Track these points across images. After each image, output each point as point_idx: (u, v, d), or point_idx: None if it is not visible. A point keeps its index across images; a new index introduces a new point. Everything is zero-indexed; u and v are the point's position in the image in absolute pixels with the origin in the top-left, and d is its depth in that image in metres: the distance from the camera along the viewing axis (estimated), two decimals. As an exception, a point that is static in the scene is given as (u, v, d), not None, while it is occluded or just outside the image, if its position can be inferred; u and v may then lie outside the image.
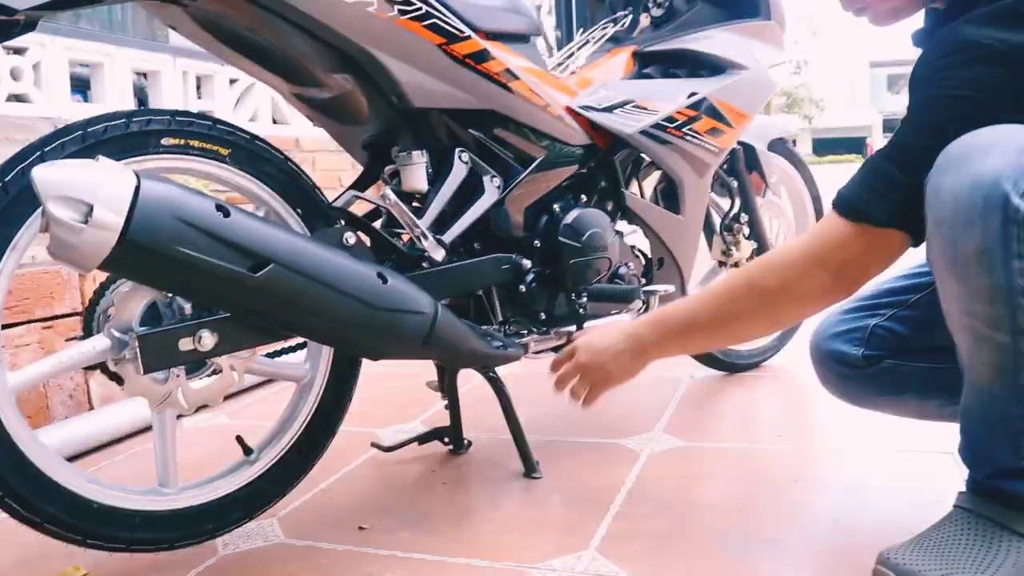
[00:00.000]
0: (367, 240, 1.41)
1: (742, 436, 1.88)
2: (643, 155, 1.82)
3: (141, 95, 2.87)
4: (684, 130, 1.80)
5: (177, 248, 1.08)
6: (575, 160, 1.70)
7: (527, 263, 1.60)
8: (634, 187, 1.87)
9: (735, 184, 2.17)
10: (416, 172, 1.47)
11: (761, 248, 2.21)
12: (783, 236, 2.37)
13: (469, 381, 2.10)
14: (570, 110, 1.67)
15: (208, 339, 1.21)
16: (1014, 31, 1.04)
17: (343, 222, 1.40)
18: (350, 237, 1.33)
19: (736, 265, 2.20)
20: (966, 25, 1.09)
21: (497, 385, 1.69)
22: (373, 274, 1.27)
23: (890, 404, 1.43)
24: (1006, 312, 1.01)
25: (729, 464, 1.70)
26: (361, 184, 1.61)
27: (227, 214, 1.13)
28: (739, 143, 2.14)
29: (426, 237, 1.40)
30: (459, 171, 1.50)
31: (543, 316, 1.66)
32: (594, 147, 1.72)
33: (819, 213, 2.50)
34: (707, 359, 2.29)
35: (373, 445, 1.87)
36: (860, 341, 1.37)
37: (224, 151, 1.32)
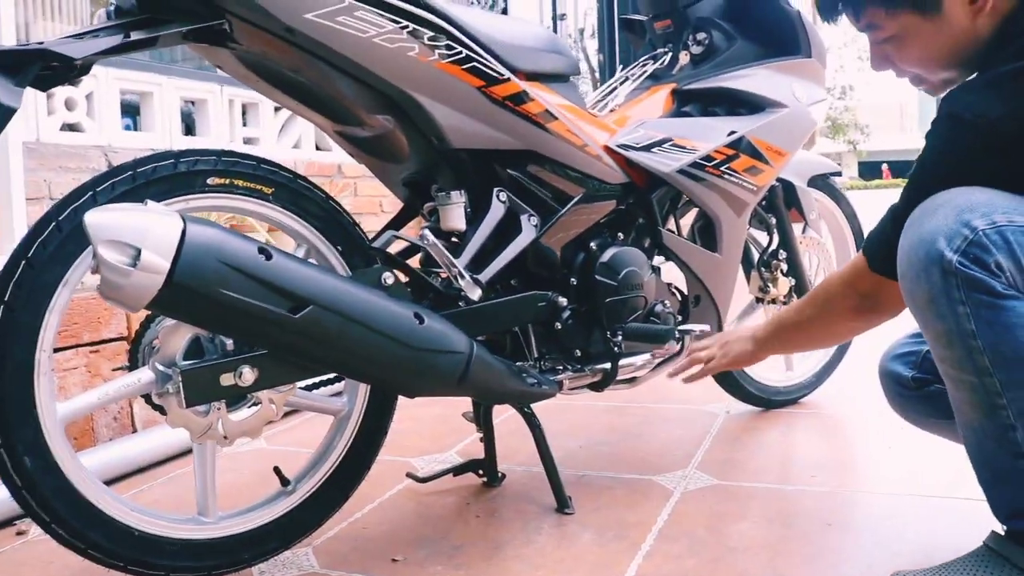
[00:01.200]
0: (404, 278, 1.43)
1: (776, 475, 1.87)
2: (679, 193, 1.83)
3: (188, 121, 2.94)
4: (722, 169, 1.81)
5: (220, 290, 1.11)
6: (612, 198, 1.71)
7: (563, 301, 1.62)
8: (671, 224, 1.88)
9: (773, 221, 2.17)
10: (454, 212, 1.50)
11: (799, 284, 2.21)
12: (823, 272, 2.36)
13: (503, 412, 2.12)
14: (608, 149, 1.69)
15: (248, 375, 1.24)
16: (990, 104, 1.13)
17: (381, 262, 1.42)
18: (388, 277, 1.36)
19: (774, 302, 2.20)
20: (958, 93, 1.20)
21: (531, 421, 1.71)
22: (410, 314, 1.30)
23: (941, 427, 1.47)
24: (964, 354, 1.11)
25: (762, 504, 1.69)
26: (400, 220, 1.65)
27: (269, 257, 1.16)
28: (778, 180, 2.15)
29: (463, 276, 1.42)
30: (497, 210, 1.52)
31: (578, 354, 1.67)
32: (632, 185, 1.73)
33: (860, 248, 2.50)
34: (742, 394, 2.29)
35: (408, 476, 1.89)
36: (913, 364, 1.46)
37: (268, 190, 1.36)
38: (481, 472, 1.88)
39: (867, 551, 1.46)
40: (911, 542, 1.48)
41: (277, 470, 1.45)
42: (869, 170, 51.28)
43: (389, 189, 1.68)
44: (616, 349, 1.67)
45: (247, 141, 2.99)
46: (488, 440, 1.84)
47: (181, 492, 1.92)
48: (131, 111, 2.84)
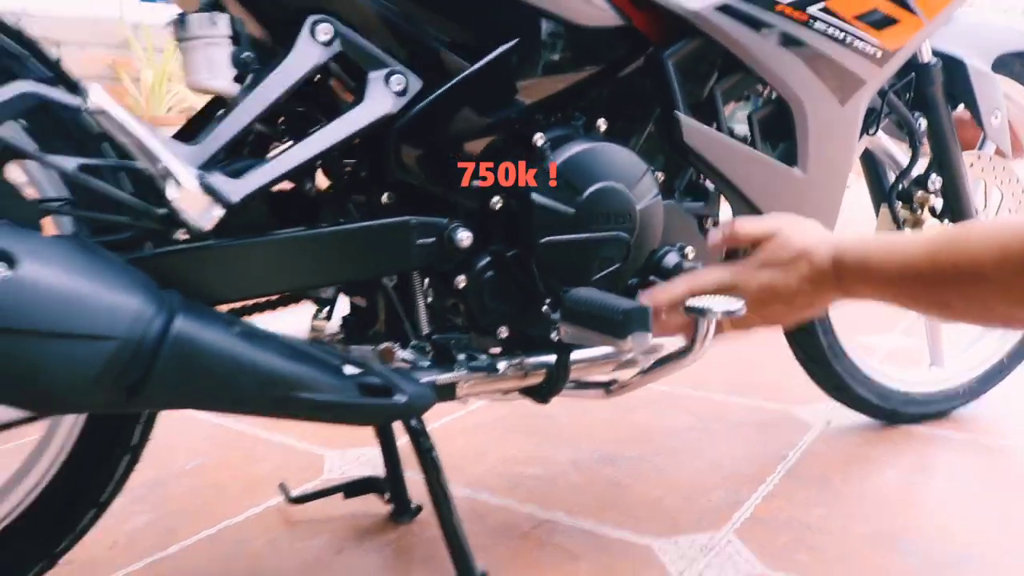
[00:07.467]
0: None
1: (874, 567, 1.07)
2: (724, 53, 1.00)
3: None
4: (810, 10, 0.98)
5: None
6: (589, 56, 0.93)
7: (465, 236, 0.87)
8: (706, 111, 1.06)
9: (922, 124, 1.30)
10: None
11: (963, 231, 1.33)
12: (1007, 213, 1.48)
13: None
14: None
15: None
16: None
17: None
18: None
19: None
20: None
21: (419, 442, 0.98)
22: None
23: None
24: None
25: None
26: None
27: None
28: (935, 53, 1.28)
29: (172, 179, 0.70)
30: (307, 53, 0.78)
31: (503, 334, 0.93)
32: (631, 33, 0.94)
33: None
34: (850, 397, 1.45)
35: (281, 489, 1.23)
36: None
37: None
38: (387, 496, 1.19)
39: None
40: None
41: None
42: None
43: None
44: (555, 334, 0.90)
45: None
46: (387, 445, 1.15)
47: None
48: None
